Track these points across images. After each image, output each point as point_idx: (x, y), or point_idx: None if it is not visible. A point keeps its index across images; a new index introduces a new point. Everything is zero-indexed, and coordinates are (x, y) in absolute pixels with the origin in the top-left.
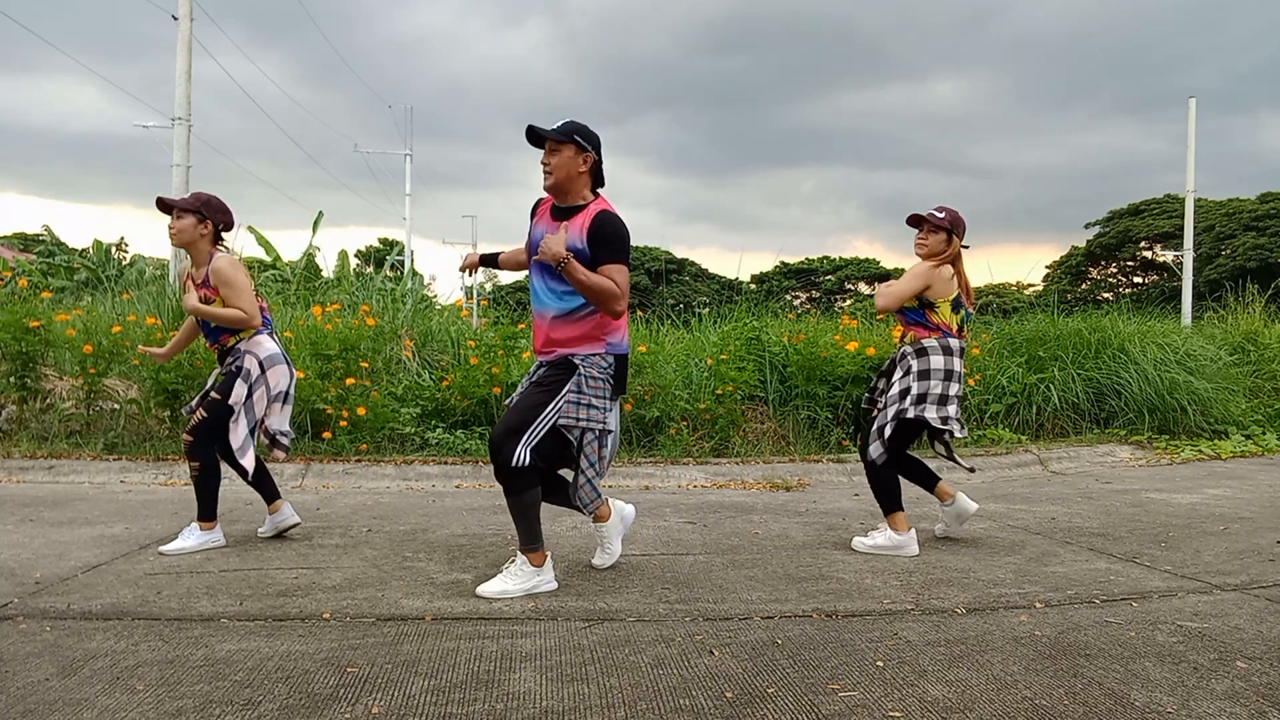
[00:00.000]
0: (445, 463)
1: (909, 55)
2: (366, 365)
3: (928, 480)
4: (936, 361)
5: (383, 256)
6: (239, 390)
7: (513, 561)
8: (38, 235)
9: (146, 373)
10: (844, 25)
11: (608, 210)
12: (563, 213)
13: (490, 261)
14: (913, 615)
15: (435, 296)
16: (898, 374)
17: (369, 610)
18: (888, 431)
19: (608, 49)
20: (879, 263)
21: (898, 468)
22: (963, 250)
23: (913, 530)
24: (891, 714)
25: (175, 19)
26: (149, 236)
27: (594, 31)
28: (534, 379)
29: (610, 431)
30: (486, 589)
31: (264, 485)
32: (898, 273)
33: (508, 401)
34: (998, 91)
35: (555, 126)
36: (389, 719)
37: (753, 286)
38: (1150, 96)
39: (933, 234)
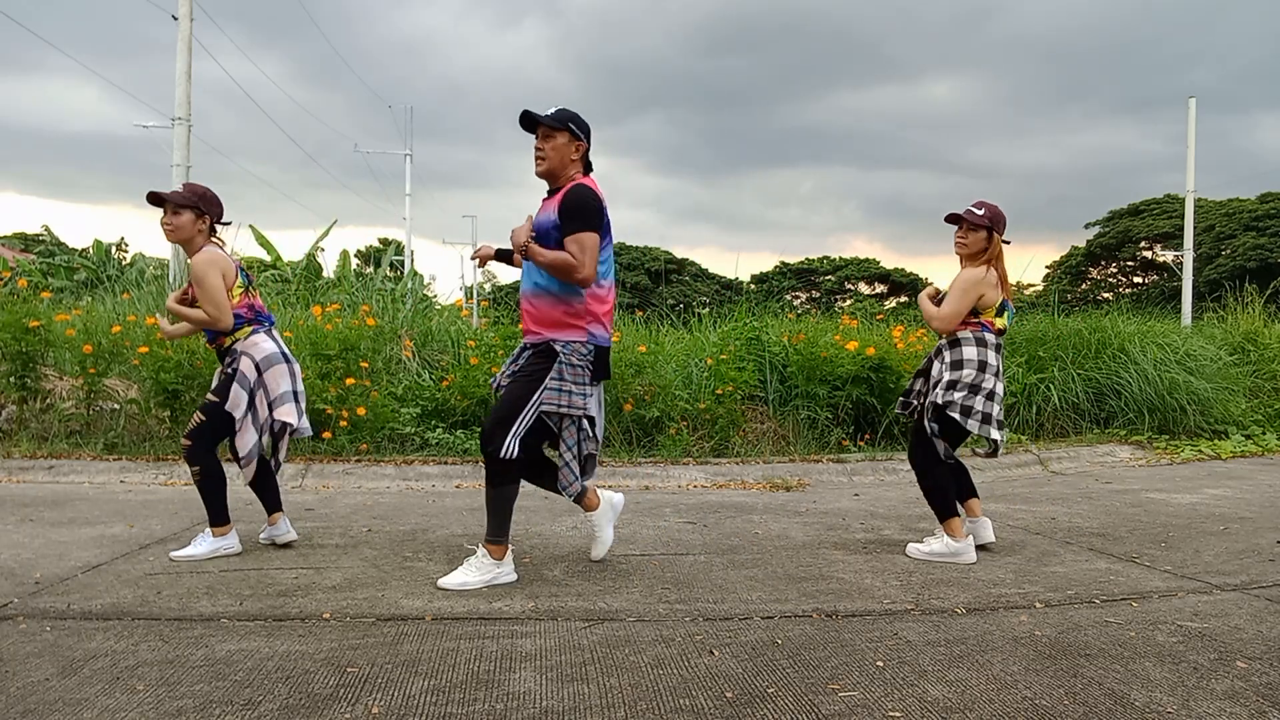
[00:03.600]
0: (445, 463)
1: (905, 55)
2: (366, 365)
3: (965, 492)
4: (969, 352)
5: (382, 256)
6: (236, 395)
7: (473, 554)
8: (38, 235)
9: (146, 373)
10: (841, 25)
11: (579, 183)
12: (551, 195)
13: (505, 257)
14: (913, 615)
15: (435, 296)
16: (935, 368)
17: (369, 610)
18: (931, 427)
19: (605, 49)
20: (879, 263)
21: (949, 472)
22: (1004, 246)
23: (970, 537)
24: (891, 714)
25: (175, 19)
26: (149, 236)
27: (591, 31)
28: (517, 367)
29: (591, 417)
30: (448, 581)
31: (267, 494)
32: (898, 272)
33: (493, 384)
34: (994, 91)
35: (549, 113)
36: (389, 719)
37: (753, 286)
38: (1147, 97)
39: (972, 232)
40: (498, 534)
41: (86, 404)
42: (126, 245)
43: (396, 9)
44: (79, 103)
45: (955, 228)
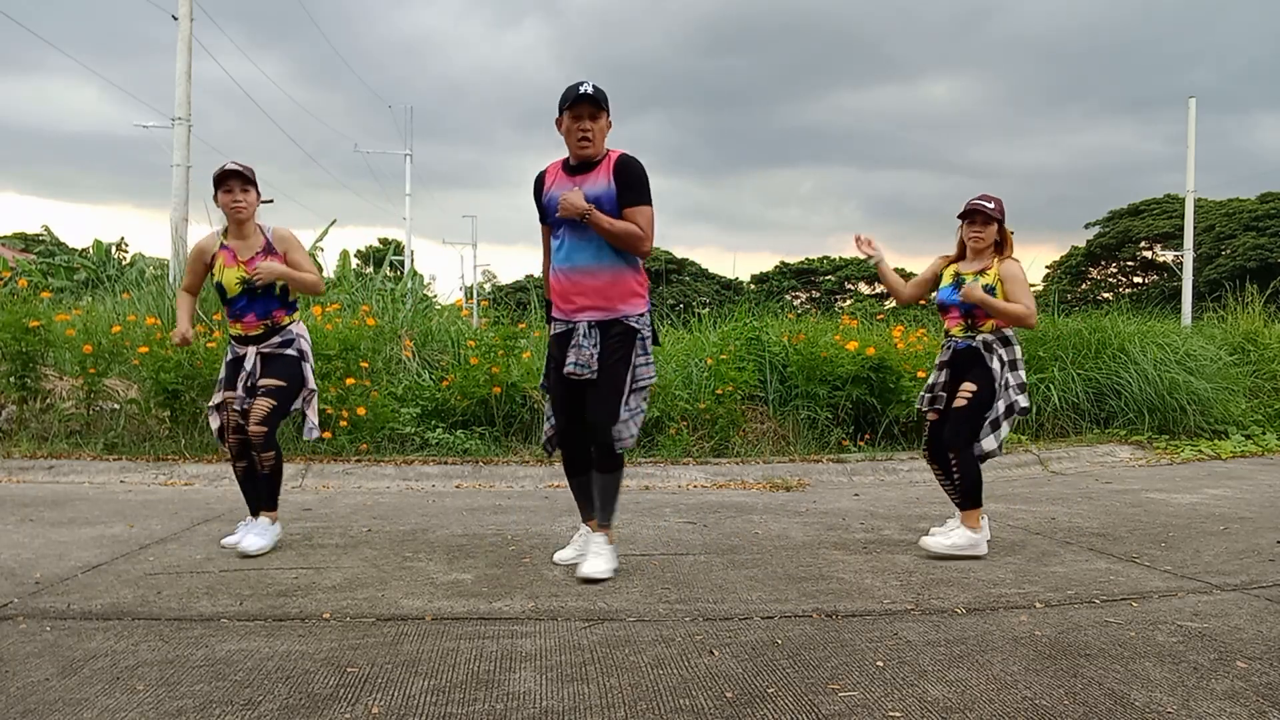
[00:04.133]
0: (445, 463)
1: (905, 55)
2: (366, 365)
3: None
4: (1019, 351)
5: (382, 256)
6: (307, 374)
7: (596, 541)
8: (37, 235)
9: (146, 373)
10: (840, 26)
11: (627, 154)
12: (580, 170)
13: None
14: (913, 615)
15: (435, 296)
16: (995, 365)
17: (369, 610)
18: (1005, 426)
19: (604, 49)
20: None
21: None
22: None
23: (987, 528)
24: (891, 714)
25: (175, 19)
26: (149, 236)
27: (590, 32)
28: (596, 350)
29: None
30: (593, 570)
31: (254, 491)
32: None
33: (570, 370)
34: (993, 91)
35: (593, 91)
36: (389, 719)
37: (753, 286)
38: (1146, 97)
39: (987, 226)
40: (611, 518)
41: (86, 404)
42: (126, 245)
43: (396, 9)
44: (79, 103)
45: (966, 224)
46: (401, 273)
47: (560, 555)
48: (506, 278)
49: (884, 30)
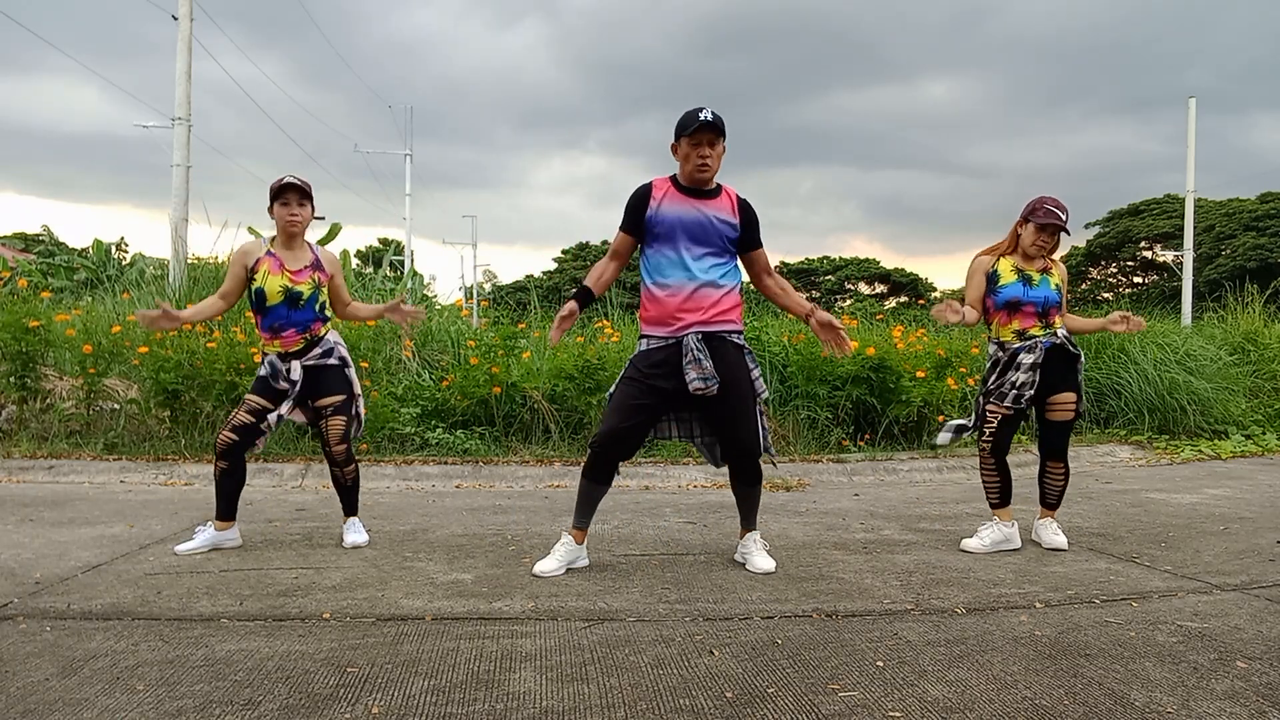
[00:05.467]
0: (445, 463)
1: (903, 56)
2: (366, 365)
3: (1005, 499)
4: None
5: (382, 256)
6: (353, 377)
7: (754, 541)
8: (38, 235)
9: (146, 373)
10: (839, 26)
11: (742, 195)
12: (698, 194)
13: (588, 298)
14: (913, 615)
15: (435, 296)
16: (1080, 375)
17: (369, 610)
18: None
19: (603, 50)
20: (879, 262)
21: (999, 465)
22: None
23: (982, 536)
24: (891, 714)
25: (175, 19)
26: (149, 236)
27: (589, 32)
28: (715, 367)
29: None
30: (764, 564)
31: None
32: (898, 272)
33: (709, 387)
34: (992, 92)
35: (714, 118)
36: (389, 719)
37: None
38: (1143, 97)
39: (1054, 236)
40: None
41: (86, 404)
42: (126, 245)
43: (396, 9)
44: (79, 103)
45: (1042, 232)
46: (401, 273)
47: (541, 566)
48: (506, 278)
49: (882, 31)
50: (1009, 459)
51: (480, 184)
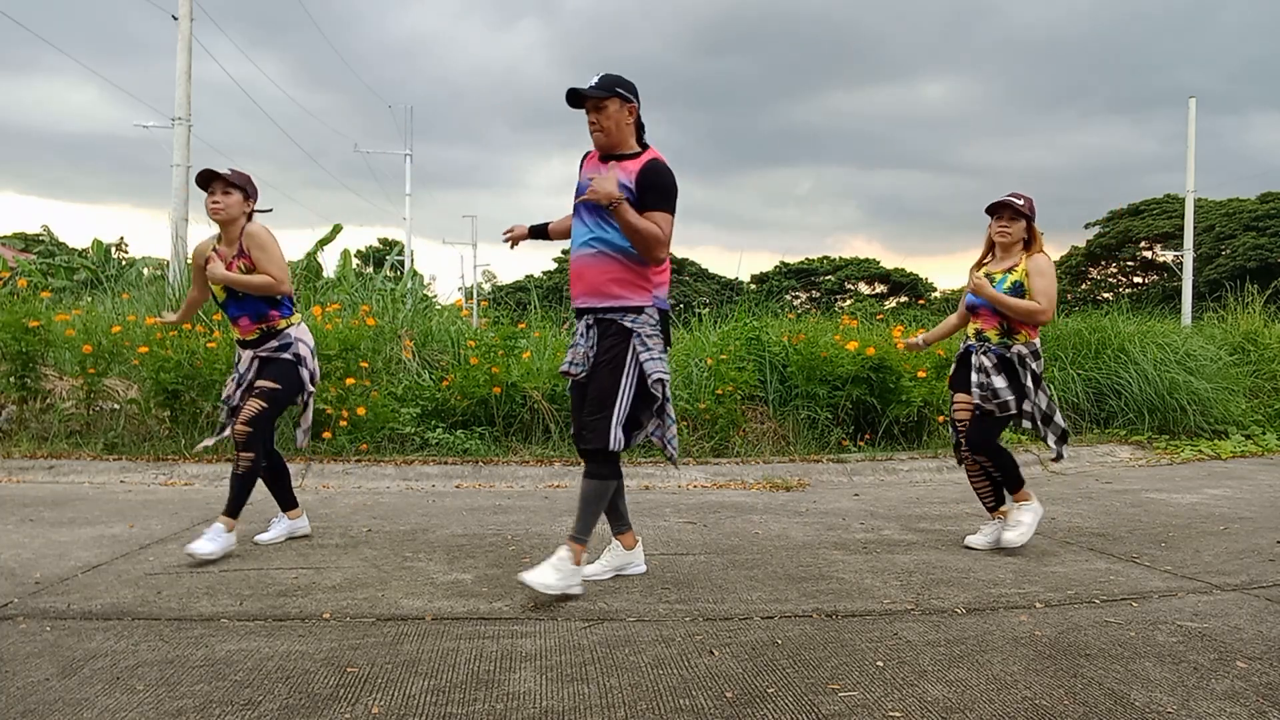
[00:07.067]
0: (445, 463)
1: (900, 56)
2: (366, 365)
3: (999, 499)
4: (1042, 364)
5: (382, 256)
6: (303, 378)
7: (561, 553)
8: (37, 235)
9: (146, 373)
10: (834, 26)
11: (659, 158)
12: (611, 160)
13: (540, 233)
14: (913, 615)
15: (435, 296)
16: (1028, 380)
17: (369, 610)
18: (1052, 438)
19: (601, 50)
20: (879, 262)
21: (983, 470)
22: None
23: (980, 535)
24: (891, 714)
25: (175, 19)
26: (148, 236)
27: (587, 33)
28: (593, 351)
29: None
30: (533, 580)
31: (283, 490)
32: (898, 272)
33: (572, 371)
34: (990, 92)
35: (593, 84)
36: (389, 719)
37: (753, 286)
38: (1141, 97)
39: (1014, 221)
40: (585, 534)
41: (86, 404)
42: (126, 245)
43: (395, 10)
44: (78, 103)
45: (994, 219)
46: (401, 273)
47: (589, 570)
48: (506, 278)
49: (880, 31)
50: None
51: (480, 184)
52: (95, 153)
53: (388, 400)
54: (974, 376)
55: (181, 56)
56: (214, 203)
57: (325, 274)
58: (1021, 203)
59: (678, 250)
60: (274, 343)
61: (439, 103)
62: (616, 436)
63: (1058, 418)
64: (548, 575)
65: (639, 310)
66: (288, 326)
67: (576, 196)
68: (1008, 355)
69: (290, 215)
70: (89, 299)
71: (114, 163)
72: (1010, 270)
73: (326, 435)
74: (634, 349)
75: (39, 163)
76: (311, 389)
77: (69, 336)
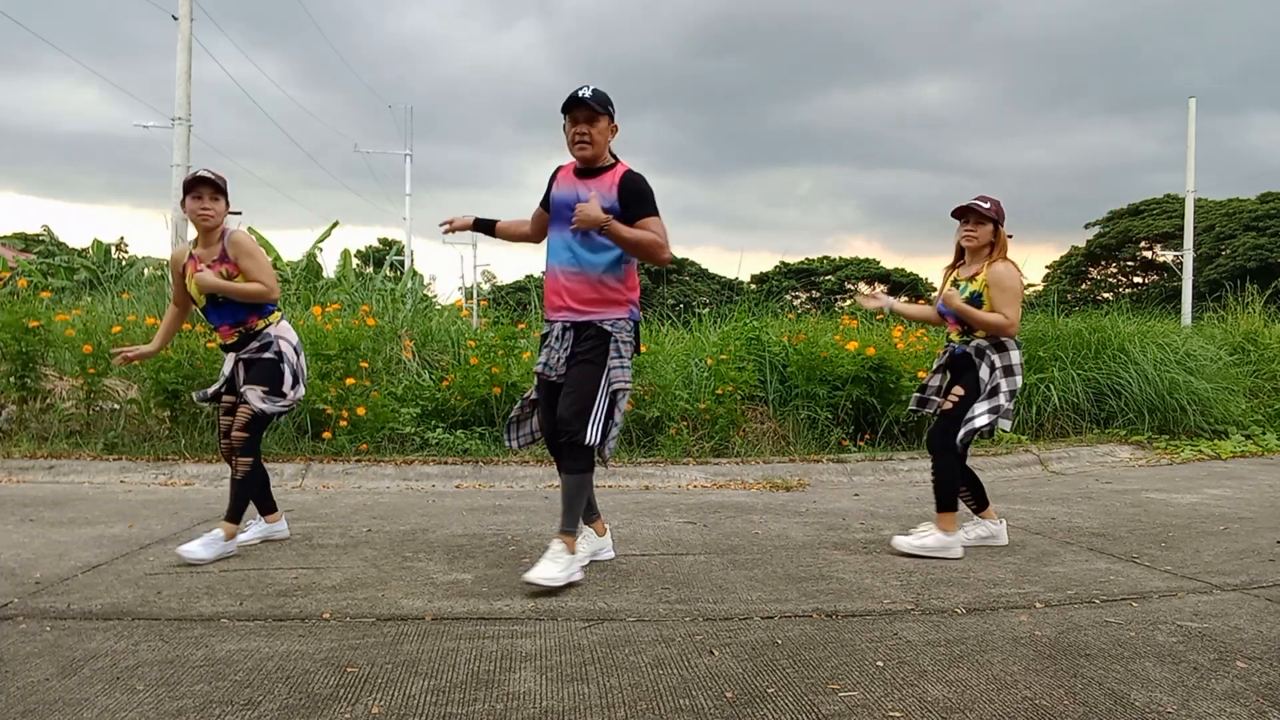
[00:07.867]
0: (445, 463)
1: (899, 56)
2: (366, 365)
3: (981, 503)
4: (1016, 357)
5: (382, 256)
6: (287, 379)
7: (556, 546)
8: (38, 235)
9: (146, 373)
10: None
11: (630, 169)
12: (587, 174)
13: (485, 227)
14: (913, 615)
15: (435, 296)
16: (984, 372)
17: (369, 610)
18: (979, 424)
19: (601, 50)
20: (879, 262)
21: (962, 471)
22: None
23: (961, 532)
24: (891, 714)
25: (175, 19)
26: (148, 237)
27: (586, 33)
28: (569, 352)
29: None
30: (538, 576)
31: (264, 494)
32: (898, 272)
33: (545, 372)
34: (989, 92)
35: (589, 95)
36: (389, 719)
37: (753, 286)
38: (1140, 97)
39: (981, 225)
40: (573, 525)
41: (86, 404)
42: (126, 245)
43: (395, 10)
44: (78, 103)
45: (960, 223)
46: (401, 273)
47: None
48: (506, 278)
49: (878, 31)
50: (968, 463)
51: (480, 184)
52: (95, 153)
53: (388, 400)
54: (938, 377)
55: (181, 56)
56: (204, 209)
57: (325, 274)
58: (987, 206)
59: (677, 251)
60: (255, 344)
61: (439, 103)
62: (591, 433)
63: (1003, 400)
64: (550, 569)
65: (618, 320)
66: (266, 326)
67: (548, 210)
68: (968, 350)
69: (290, 215)
70: (89, 299)
71: (114, 163)
72: (972, 279)
73: (326, 435)
74: (612, 352)
75: (39, 163)
76: (301, 389)
77: (69, 336)
